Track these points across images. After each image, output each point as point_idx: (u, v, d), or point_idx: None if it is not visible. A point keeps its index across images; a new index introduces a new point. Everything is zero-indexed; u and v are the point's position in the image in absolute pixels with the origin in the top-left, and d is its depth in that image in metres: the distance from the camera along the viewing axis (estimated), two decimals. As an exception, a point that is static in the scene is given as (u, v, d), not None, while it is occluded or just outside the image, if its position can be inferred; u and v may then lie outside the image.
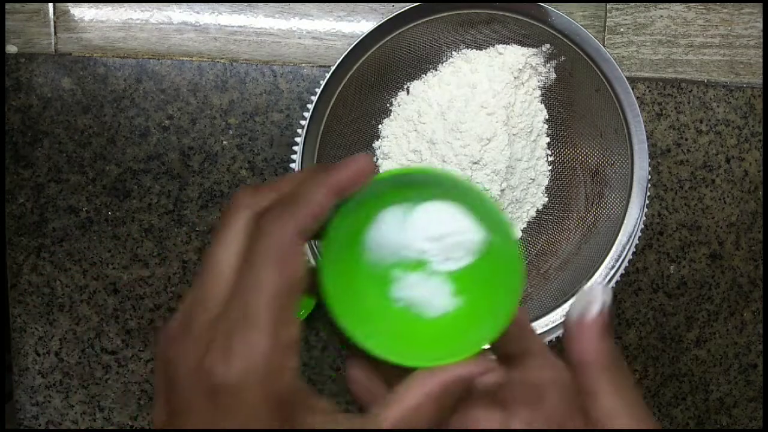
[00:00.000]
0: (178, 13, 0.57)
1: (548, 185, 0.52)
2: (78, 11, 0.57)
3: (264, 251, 0.23)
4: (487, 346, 0.27)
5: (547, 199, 0.52)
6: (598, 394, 0.25)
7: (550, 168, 0.52)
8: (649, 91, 0.58)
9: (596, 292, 0.26)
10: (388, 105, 0.50)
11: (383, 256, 0.29)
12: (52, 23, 0.57)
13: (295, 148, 0.47)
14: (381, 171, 0.50)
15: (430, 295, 0.29)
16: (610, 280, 0.48)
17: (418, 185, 0.29)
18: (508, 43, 0.48)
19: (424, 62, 0.49)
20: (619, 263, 0.47)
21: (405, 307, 0.29)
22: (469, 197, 0.28)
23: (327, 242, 0.27)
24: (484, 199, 0.28)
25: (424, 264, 0.29)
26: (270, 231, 0.23)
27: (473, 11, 0.46)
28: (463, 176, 0.28)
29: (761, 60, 0.58)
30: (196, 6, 0.57)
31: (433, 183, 0.29)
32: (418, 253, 0.29)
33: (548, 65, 0.49)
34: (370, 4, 0.57)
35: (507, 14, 0.46)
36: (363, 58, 0.45)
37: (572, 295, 0.48)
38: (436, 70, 0.49)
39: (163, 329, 0.24)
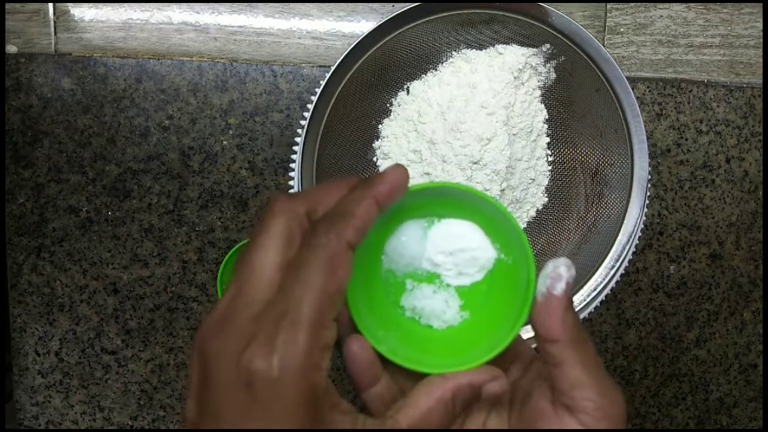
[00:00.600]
0: (178, 13, 0.57)
1: (548, 185, 0.52)
2: (78, 11, 0.57)
3: (315, 258, 0.24)
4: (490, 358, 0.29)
5: (547, 199, 0.52)
6: (564, 366, 0.26)
7: (550, 168, 0.52)
8: (649, 91, 0.58)
9: (560, 270, 0.27)
10: (388, 105, 0.50)
11: (399, 266, 0.31)
12: (52, 23, 0.57)
13: (295, 148, 0.47)
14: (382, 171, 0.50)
15: (439, 307, 0.31)
16: (610, 280, 0.48)
17: (445, 200, 0.30)
18: (508, 43, 0.48)
19: (424, 62, 0.49)
20: (619, 263, 0.47)
21: (414, 317, 0.31)
22: (494, 216, 0.29)
23: None
24: (509, 220, 0.28)
25: (436, 277, 0.30)
26: (323, 242, 0.24)
27: (473, 11, 0.46)
28: (491, 196, 0.28)
29: (761, 60, 0.58)
30: (196, 6, 0.57)
31: (459, 199, 0.29)
32: (432, 265, 0.30)
33: (548, 65, 0.49)
34: (370, 4, 0.57)
35: (507, 14, 0.46)
36: (363, 58, 0.45)
37: (572, 296, 0.48)
38: (436, 70, 0.49)
39: (202, 323, 0.25)
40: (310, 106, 0.45)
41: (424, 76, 0.50)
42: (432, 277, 0.31)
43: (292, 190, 0.47)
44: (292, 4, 0.57)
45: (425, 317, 0.31)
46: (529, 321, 0.28)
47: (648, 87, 0.58)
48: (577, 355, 0.27)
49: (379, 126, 0.50)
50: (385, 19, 0.45)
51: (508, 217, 0.28)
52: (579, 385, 0.26)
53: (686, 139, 0.59)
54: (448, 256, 0.30)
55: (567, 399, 0.27)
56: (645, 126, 0.46)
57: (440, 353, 0.30)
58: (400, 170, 0.27)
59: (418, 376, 0.28)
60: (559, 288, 0.27)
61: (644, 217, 0.47)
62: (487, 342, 0.29)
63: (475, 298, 0.31)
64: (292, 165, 0.47)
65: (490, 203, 0.28)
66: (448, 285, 0.31)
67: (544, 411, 0.27)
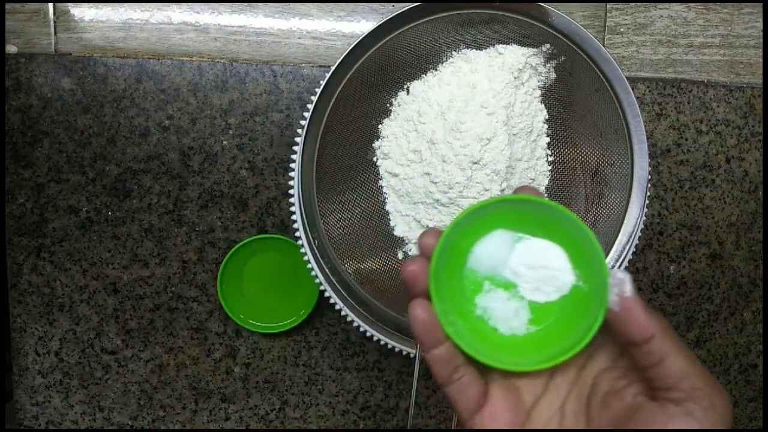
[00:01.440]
0: (178, 13, 0.57)
1: (548, 185, 0.52)
2: (78, 11, 0.57)
3: None
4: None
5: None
6: (667, 360, 0.27)
7: (550, 168, 0.52)
8: (649, 91, 0.58)
9: (619, 275, 0.28)
10: (388, 105, 0.50)
11: (481, 268, 0.32)
12: (52, 23, 0.57)
13: (295, 148, 0.47)
14: (386, 171, 0.50)
15: (509, 314, 0.32)
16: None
17: (539, 218, 0.31)
18: (508, 43, 0.48)
19: (424, 62, 0.49)
20: (619, 263, 0.47)
21: (483, 316, 0.32)
22: (582, 243, 0.31)
23: (446, 234, 0.31)
24: (597, 249, 0.30)
25: (513, 286, 0.32)
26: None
27: (473, 11, 0.46)
28: (588, 229, 0.31)
29: (761, 60, 0.58)
30: (196, 6, 0.57)
31: (552, 221, 0.31)
32: (513, 275, 0.32)
33: (548, 65, 0.49)
34: (370, 4, 0.57)
35: (507, 14, 0.46)
36: (363, 58, 0.45)
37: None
38: (436, 70, 0.49)
39: None
40: (310, 106, 0.45)
41: (424, 76, 0.50)
42: (509, 286, 0.32)
43: (292, 190, 0.47)
44: (292, 4, 0.57)
45: (494, 319, 0.32)
46: (617, 334, 0.28)
47: (648, 87, 0.58)
48: (677, 346, 0.27)
49: (379, 126, 0.50)
50: (385, 19, 0.45)
51: (596, 247, 0.30)
52: (686, 376, 0.26)
53: (686, 139, 0.59)
54: (530, 269, 0.32)
55: (674, 392, 0.26)
56: (645, 126, 0.46)
57: (501, 352, 0.31)
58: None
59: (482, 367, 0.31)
60: (628, 289, 0.27)
61: (644, 217, 0.47)
62: (547, 356, 0.30)
63: (545, 316, 0.32)
64: (292, 165, 0.47)
65: (582, 230, 0.30)
66: (522, 297, 0.32)
67: (641, 405, 0.27)
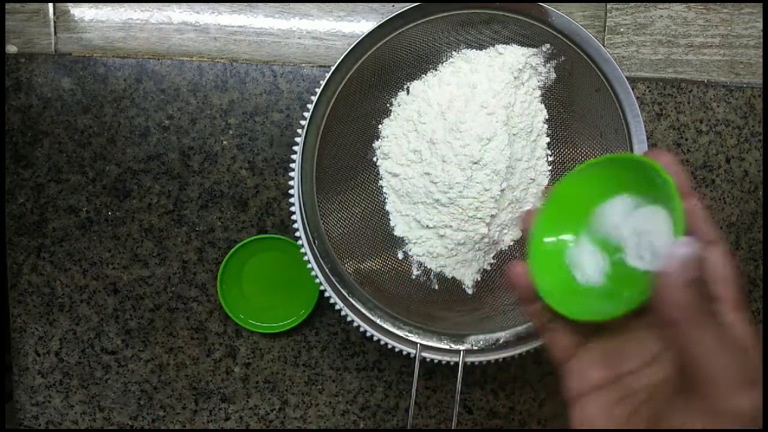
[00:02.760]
0: (178, 13, 0.57)
1: (548, 185, 0.52)
2: (78, 11, 0.57)
3: None
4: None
5: (547, 199, 0.52)
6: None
7: (550, 168, 0.52)
8: (649, 91, 0.58)
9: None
10: (388, 105, 0.50)
11: (601, 228, 0.34)
12: (52, 23, 0.57)
13: (295, 148, 0.47)
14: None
15: (592, 266, 0.34)
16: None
17: (657, 189, 0.31)
18: (508, 43, 0.48)
19: (424, 62, 0.49)
20: (619, 263, 0.47)
21: (569, 264, 0.35)
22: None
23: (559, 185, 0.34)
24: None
25: (617, 249, 0.33)
26: None
27: (473, 11, 0.46)
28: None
29: (761, 60, 0.58)
30: (196, 6, 0.57)
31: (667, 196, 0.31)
32: (617, 238, 0.33)
33: (548, 65, 0.49)
34: (370, 4, 0.57)
35: (507, 14, 0.46)
36: (363, 58, 0.45)
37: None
38: (436, 70, 0.49)
39: None
40: (310, 106, 0.45)
41: (424, 76, 0.50)
42: (617, 250, 0.32)
43: (292, 190, 0.47)
44: (292, 4, 0.57)
45: (576, 268, 0.34)
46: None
47: (648, 87, 0.58)
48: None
49: (379, 126, 0.50)
50: (385, 19, 0.45)
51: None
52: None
53: (686, 139, 0.59)
54: (635, 235, 0.32)
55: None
56: (645, 126, 0.46)
57: (575, 300, 0.33)
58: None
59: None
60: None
61: (644, 217, 0.47)
62: (613, 307, 0.31)
63: (628, 279, 0.32)
64: (292, 165, 0.47)
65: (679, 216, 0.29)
66: (620, 260, 0.32)
67: None
